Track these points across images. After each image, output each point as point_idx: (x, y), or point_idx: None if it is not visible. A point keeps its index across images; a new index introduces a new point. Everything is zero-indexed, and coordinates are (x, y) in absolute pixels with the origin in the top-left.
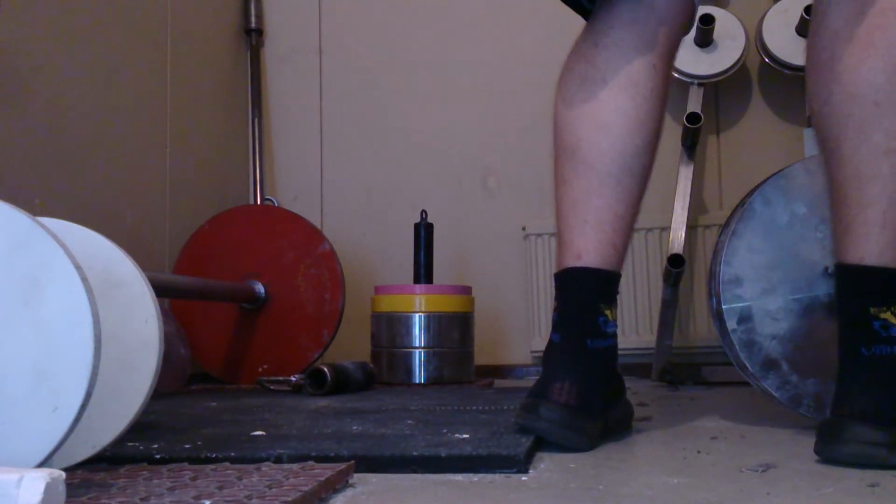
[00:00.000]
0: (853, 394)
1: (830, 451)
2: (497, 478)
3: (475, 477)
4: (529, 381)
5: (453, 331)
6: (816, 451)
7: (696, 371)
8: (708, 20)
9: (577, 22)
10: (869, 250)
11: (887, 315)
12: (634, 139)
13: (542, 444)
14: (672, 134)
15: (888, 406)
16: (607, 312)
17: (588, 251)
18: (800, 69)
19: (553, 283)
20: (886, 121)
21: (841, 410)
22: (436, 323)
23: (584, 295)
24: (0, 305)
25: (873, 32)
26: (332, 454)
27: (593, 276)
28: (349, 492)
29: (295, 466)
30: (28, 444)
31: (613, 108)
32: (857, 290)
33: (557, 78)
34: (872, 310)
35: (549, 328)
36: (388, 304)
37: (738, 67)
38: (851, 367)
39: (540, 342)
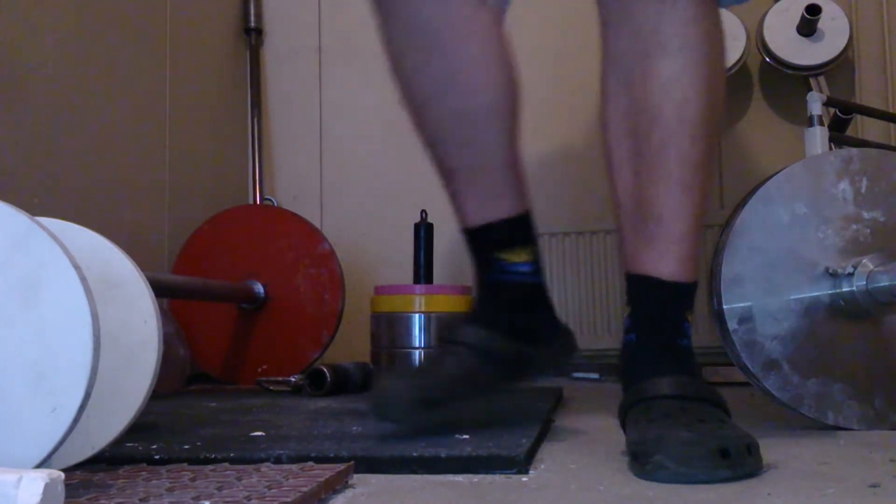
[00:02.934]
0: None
1: None
2: (497, 478)
3: (475, 478)
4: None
5: None
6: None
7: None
8: None
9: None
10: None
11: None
12: None
13: (543, 444)
14: None
15: None
16: None
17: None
18: (801, 69)
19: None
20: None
21: None
22: (436, 323)
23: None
24: None
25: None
26: (332, 455)
27: None
28: (349, 492)
29: (294, 467)
30: (27, 444)
31: None
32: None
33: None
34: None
35: None
36: (387, 304)
37: (738, 67)
38: None
39: None
